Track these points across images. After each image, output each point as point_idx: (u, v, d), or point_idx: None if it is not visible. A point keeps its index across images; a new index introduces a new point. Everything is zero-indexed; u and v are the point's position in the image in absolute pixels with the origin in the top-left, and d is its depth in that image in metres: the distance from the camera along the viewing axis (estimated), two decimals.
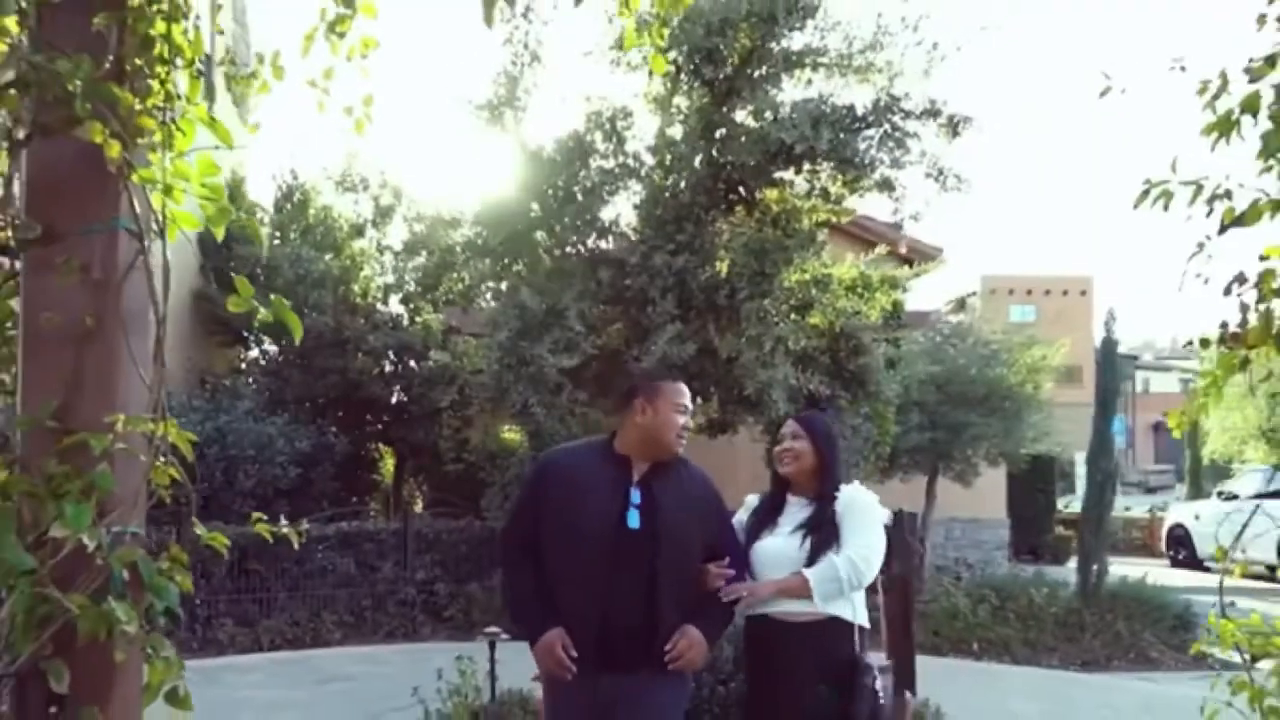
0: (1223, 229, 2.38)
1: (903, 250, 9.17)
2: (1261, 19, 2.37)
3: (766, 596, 3.24)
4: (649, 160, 6.96)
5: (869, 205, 8.54)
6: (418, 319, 13.09)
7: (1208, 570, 17.54)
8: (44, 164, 2.15)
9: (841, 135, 6.46)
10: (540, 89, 7.12)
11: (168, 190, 2.24)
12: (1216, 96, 2.37)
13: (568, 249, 7.14)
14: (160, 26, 2.14)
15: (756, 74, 6.61)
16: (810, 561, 3.22)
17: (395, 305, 13.62)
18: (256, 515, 2.43)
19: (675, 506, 3.15)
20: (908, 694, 4.66)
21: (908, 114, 6.69)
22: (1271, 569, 16.74)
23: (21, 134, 2.09)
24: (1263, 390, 29.46)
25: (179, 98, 2.27)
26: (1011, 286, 45.48)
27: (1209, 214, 2.38)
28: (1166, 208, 2.44)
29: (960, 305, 14.90)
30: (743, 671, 3.78)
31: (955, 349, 13.07)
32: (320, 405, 12.63)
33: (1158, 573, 16.13)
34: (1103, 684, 8.09)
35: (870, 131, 6.66)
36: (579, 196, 6.86)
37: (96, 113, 2.00)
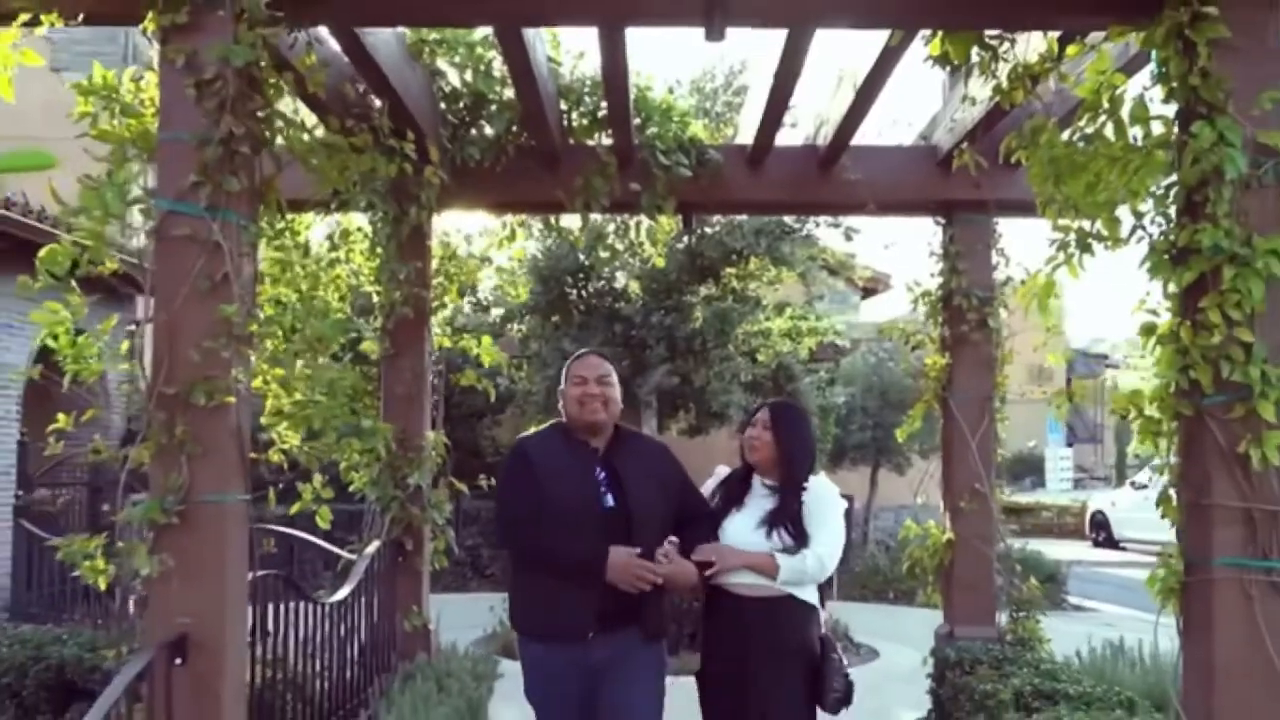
0: (913, 349, 5.26)
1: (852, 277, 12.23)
2: (931, 255, 5.23)
3: (734, 566, 3.32)
4: (648, 245, 9.88)
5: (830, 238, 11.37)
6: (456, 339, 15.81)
7: (1124, 549, 19.20)
8: (396, 319, 4.99)
9: (774, 240, 9.50)
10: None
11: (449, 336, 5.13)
12: (911, 289, 5.23)
13: (592, 308, 10.02)
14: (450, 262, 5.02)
15: None
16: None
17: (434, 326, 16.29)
18: (482, 480, 5.28)
19: (639, 481, 3.29)
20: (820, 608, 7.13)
21: (818, 224, 9.75)
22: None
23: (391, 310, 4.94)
24: None
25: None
26: None
27: (907, 343, 5.25)
28: (892, 339, 5.33)
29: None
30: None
31: (895, 362, 15.87)
32: None
33: (1080, 551, 17.69)
34: None
35: (794, 235, 9.71)
36: (598, 270, 9.84)
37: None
